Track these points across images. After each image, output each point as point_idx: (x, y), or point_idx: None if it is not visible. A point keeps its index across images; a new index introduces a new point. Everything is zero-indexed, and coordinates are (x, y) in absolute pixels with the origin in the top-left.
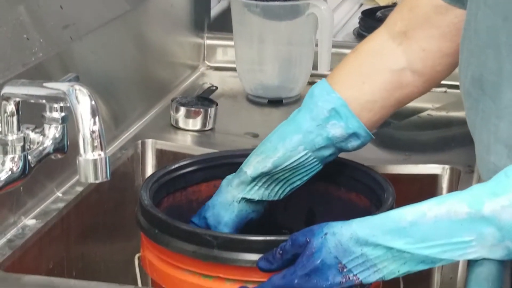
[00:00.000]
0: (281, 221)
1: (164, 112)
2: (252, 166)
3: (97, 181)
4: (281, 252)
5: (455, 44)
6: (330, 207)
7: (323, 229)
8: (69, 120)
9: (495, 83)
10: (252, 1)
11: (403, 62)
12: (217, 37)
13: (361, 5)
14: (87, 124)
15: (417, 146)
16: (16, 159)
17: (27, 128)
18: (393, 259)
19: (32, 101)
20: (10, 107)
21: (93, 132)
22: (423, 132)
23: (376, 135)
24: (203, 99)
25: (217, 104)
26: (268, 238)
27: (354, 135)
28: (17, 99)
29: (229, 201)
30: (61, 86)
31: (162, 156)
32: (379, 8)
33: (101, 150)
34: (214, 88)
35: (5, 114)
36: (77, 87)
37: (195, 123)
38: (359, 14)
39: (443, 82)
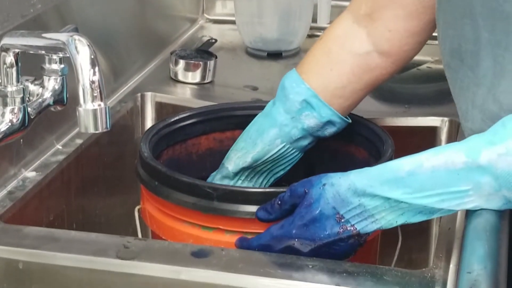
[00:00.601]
0: None
1: (163, 65)
2: (233, 162)
3: (97, 132)
4: (279, 202)
5: (422, 22)
6: (329, 160)
7: (321, 180)
8: (68, 72)
9: (473, 53)
10: None
11: (369, 45)
12: None
13: None
14: (87, 74)
15: (416, 99)
16: (15, 111)
17: (27, 80)
18: (391, 210)
19: (31, 51)
20: (9, 58)
21: (92, 82)
22: (422, 85)
23: (376, 88)
24: (203, 52)
25: (216, 57)
26: (267, 189)
27: (329, 123)
28: (16, 50)
29: None
30: (61, 37)
31: (161, 109)
32: None
33: (101, 100)
34: (214, 41)
35: (5, 66)
36: (76, 37)
37: (195, 76)
38: None
39: None
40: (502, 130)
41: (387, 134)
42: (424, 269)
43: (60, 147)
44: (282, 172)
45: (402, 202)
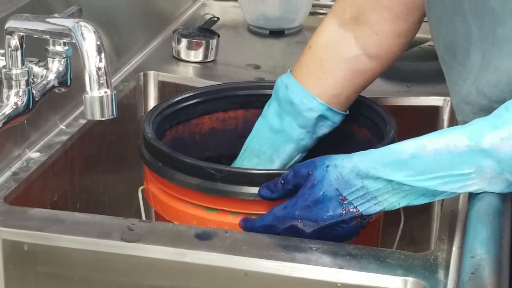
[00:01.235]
0: None
1: (165, 43)
2: None
3: (104, 119)
4: (282, 182)
5: (408, 23)
6: (332, 139)
7: (325, 162)
8: (72, 54)
9: (465, 48)
10: None
11: (358, 49)
12: None
13: None
14: (93, 61)
15: (419, 78)
16: (20, 94)
17: (31, 61)
18: (394, 192)
19: (36, 36)
20: (14, 41)
21: (99, 69)
22: (425, 63)
23: None
24: (205, 31)
25: (218, 36)
26: (270, 171)
27: (336, 123)
28: (21, 34)
29: None
30: (66, 22)
31: (164, 88)
32: None
33: (107, 87)
34: (216, 19)
35: (9, 49)
36: (82, 23)
37: (197, 55)
38: None
39: None
40: (505, 114)
41: (390, 114)
42: (427, 251)
43: (64, 127)
44: None
45: (404, 184)
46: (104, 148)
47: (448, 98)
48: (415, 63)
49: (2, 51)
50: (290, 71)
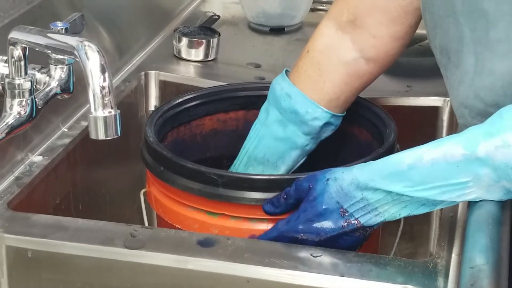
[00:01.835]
0: None
1: (166, 42)
2: None
3: (108, 138)
4: (285, 196)
5: (405, 26)
6: (333, 141)
7: (325, 175)
8: (74, 61)
9: (458, 51)
10: None
11: (356, 52)
12: None
13: None
14: (97, 81)
15: (419, 75)
16: (23, 103)
17: (34, 68)
18: (394, 203)
19: (38, 49)
20: (17, 52)
21: (103, 88)
22: (426, 59)
23: None
24: (206, 29)
25: (219, 34)
26: (271, 177)
27: (338, 126)
28: (24, 46)
29: None
30: (70, 41)
31: (165, 87)
32: None
33: (111, 107)
34: (216, 17)
35: (13, 59)
36: (86, 43)
37: (198, 54)
38: None
39: None
40: (499, 121)
41: (389, 117)
42: (426, 259)
43: (66, 130)
44: None
45: (404, 195)
46: (106, 148)
47: (447, 99)
48: (415, 60)
49: (5, 58)
50: (286, 73)
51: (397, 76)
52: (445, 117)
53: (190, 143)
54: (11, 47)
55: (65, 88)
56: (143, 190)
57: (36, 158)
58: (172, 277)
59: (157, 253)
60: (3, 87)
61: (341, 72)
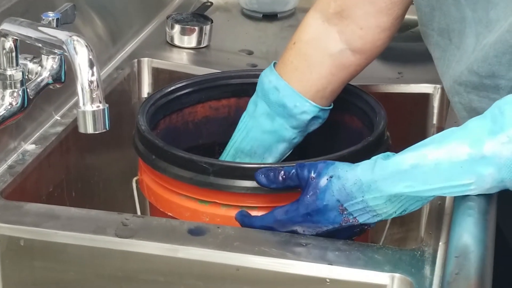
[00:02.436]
0: None
1: (159, 29)
2: None
3: (96, 132)
4: (284, 176)
5: (392, 17)
6: (325, 129)
7: (328, 171)
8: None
9: (460, 31)
10: None
11: (342, 43)
12: None
13: None
14: (86, 75)
15: (410, 63)
16: (15, 94)
17: (25, 58)
18: (392, 204)
19: (29, 42)
20: (9, 43)
21: (91, 82)
22: (417, 45)
23: None
24: (198, 16)
25: (212, 21)
26: (262, 165)
27: (325, 119)
28: (15, 37)
29: None
30: (60, 35)
31: (158, 74)
32: None
33: (99, 101)
34: (209, 4)
35: (4, 50)
36: (75, 37)
37: (190, 40)
38: None
39: None
40: (500, 118)
41: (380, 104)
42: (414, 247)
43: (59, 118)
44: None
45: (403, 194)
46: (99, 135)
47: (438, 86)
48: (406, 46)
49: None
50: (274, 66)
51: (389, 62)
52: (436, 103)
53: (183, 130)
54: (2, 38)
55: (56, 78)
56: (135, 178)
57: (29, 146)
58: (163, 265)
59: (148, 242)
60: None
61: (328, 64)
